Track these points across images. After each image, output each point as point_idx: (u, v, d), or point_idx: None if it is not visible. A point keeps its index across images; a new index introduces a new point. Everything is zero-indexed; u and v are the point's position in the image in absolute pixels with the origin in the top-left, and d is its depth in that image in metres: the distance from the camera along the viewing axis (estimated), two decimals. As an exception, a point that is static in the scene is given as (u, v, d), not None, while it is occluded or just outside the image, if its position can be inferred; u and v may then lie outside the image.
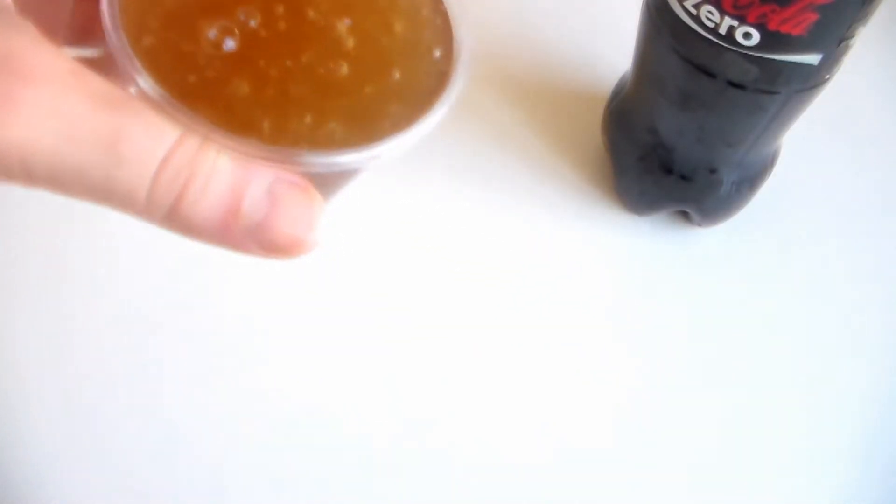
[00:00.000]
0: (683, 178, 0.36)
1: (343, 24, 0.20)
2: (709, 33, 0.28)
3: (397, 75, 0.20)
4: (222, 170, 0.17)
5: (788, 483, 0.34)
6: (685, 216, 0.39)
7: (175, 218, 0.17)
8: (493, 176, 0.41)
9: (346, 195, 0.21)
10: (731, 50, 0.28)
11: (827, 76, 0.29)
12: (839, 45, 0.27)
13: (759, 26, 0.26)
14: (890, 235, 0.40)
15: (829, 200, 0.41)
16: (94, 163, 0.16)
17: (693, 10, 0.28)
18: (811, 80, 0.29)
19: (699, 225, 0.39)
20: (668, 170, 0.36)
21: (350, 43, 0.20)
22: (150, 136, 0.16)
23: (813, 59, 0.28)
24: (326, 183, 0.20)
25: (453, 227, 0.40)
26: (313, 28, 0.20)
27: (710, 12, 0.27)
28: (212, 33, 0.19)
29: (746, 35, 0.27)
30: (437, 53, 0.21)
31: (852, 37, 0.27)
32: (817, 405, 0.36)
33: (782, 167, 0.37)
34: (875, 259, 0.39)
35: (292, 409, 0.36)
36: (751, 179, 0.36)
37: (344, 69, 0.20)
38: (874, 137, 0.43)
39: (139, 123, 0.16)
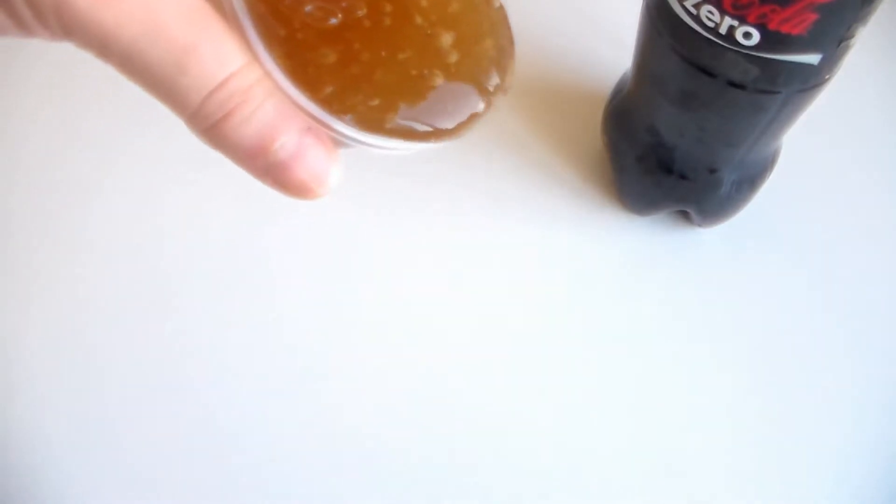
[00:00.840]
0: (683, 178, 0.36)
1: (448, 37, 0.21)
2: (709, 33, 0.28)
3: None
4: (268, 109, 0.19)
5: (788, 483, 0.34)
6: (685, 216, 0.39)
7: (213, 134, 0.19)
8: (492, 176, 0.41)
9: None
10: (732, 50, 0.28)
11: (827, 76, 0.29)
12: (839, 45, 0.27)
13: (760, 26, 0.26)
14: (891, 234, 0.40)
15: (830, 200, 0.41)
16: (162, 64, 0.18)
17: (693, 10, 0.28)
18: (811, 80, 0.29)
19: (699, 225, 0.39)
20: (668, 170, 0.36)
21: (453, 58, 0.21)
22: (217, 58, 0.19)
23: (813, 59, 0.27)
24: (352, 148, 0.21)
25: (452, 227, 0.40)
26: (419, 33, 0.20)
27: (710, 12, 0.27)
28: (308, 8, 0.19)
29: (746, 35, 0.27)
30: (494, 85, 0.22)
31: (852, 37, 0.27)
32: (818, 405, 0.36)
33: (782, 167, 0.37)
34: (876, 258, 0.39)
35: (294, 407, 0.36)
36: (751, 179, 0.36)
37: (439, 79, 0.20)
38: (874, 137, 0.43)
39: (212, 44, 0.18)
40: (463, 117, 0.21)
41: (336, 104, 0.19)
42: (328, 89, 0.19)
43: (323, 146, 0.20)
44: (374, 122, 0.20)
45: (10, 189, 0.41)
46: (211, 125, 0.19)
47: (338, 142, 0.21)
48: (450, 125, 0.21)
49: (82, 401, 0.36)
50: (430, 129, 0.21)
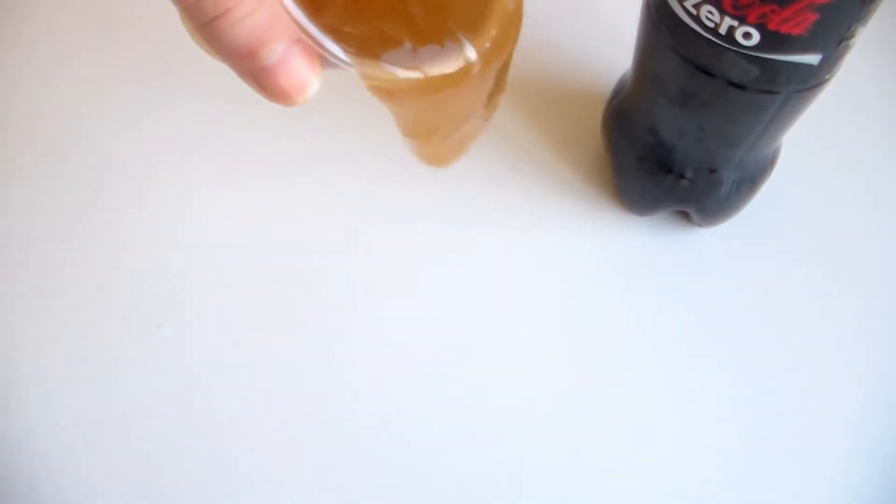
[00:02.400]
0: (683, 178, 0.36)
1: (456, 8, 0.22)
2: (709, 33, 0.28)
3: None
4: (262, 14, 0.20)
5: (789, 483, 0.34)
6: (685, 216, 0.39)
7: (207, 31, 0.20)
8: (492, 176, 0.41)
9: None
10: (731, 50, 0.28)
11: (827, 76, 0.29)
12: (839, 45, 0.27)
13: (759, 26, 0.26)
14: (891, 235, 0.40)
15: (830, 200, 0.41)
16: None
17: (693, 10, 0.28)
18: (811, 80, 0.29)
19: (699, 225, 0.39)
20: (667, 170, 0.36)
21: (456, 24, 0.22)
22: None
23: (813, 59, 0.27)
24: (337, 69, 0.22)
25: (450, 227, 0.40)
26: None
27: (710, 12, 0.27)
28: None
29: (746, 35, 0.27)
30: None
31: (852, 37, 0.27)
32: (819, 405, 0.36)
33: (782, 167, 0.37)
34: (876, 259, 0.39)
35: (295, 403, 0.36)
36: (751, 179, 0.36)
37: (438, 37, 0.22)
38: (874, 137, 0.43)
39: None
40: (452, 69, 0.22)
41: (333, 31, 0.20)
42: (346, 29, 0.21)
43: (308, 58, 0.21)
44: (367, 54, 0.21)
45: (13, 189, 0.41)
46: (206, 21, 0.20)
47: (324, 59, 0.21)
48: (437, 73, 0.22)
49: (85, 403, 0.36)
50: (418, 71, 0.22)
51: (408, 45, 0.21)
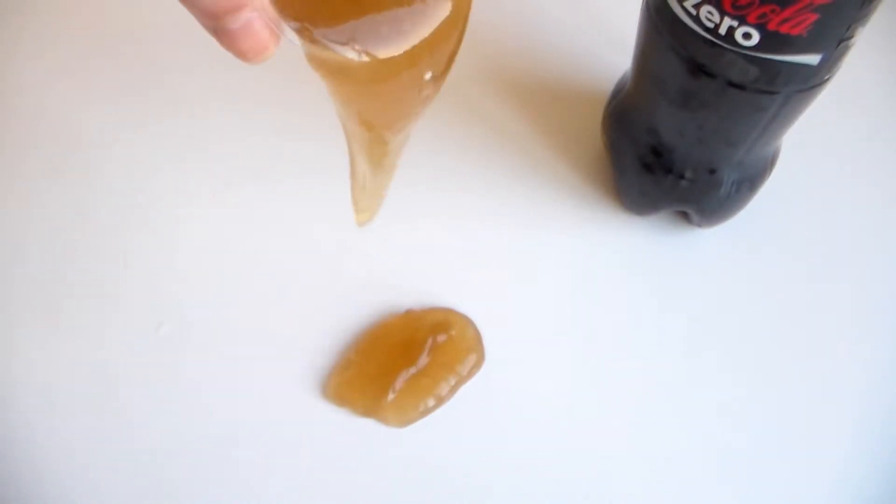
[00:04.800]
0: (683, 178, 0.36)
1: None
2: (708, 33, 0.28)
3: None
4: None
5: (790, 483, 0.34)
6: (685, 216, 0.39)
7: None
8: (492, 176, 0.41)
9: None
10: (731, 50, 0.28)
11: (827, 76, 0.29)
12: (839, 45, 0.27)
13: (759, 26, 0.26)
14: (891, 234, 0.40)
15: (830, 200, 0.41)
16: None
17: (693, 11, 0.28)
18: (811, 80, 0.29)
19: (699, 225, 0.39)
20: (668, 170, 0.36)
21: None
22: None
23: (813, 59, 0.27)
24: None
25: (452, 227, 0.40)
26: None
27: (709, 12, 0.27)
28: None
29: (746, 35, 0.27)
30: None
31: (852, 37, 0.27)
32: (819, 404, 0.36)
33: (782, 167, 0.37)
34: (876, 258, 0.39)
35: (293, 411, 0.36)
36: (751, 179, 0.36)
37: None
38: (874, 138, 0.43)
39: None
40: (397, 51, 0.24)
41: (293, 15, 0.23)
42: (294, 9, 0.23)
43: (267, 28, 0.23)
44: (314, 40, 0.23)
45: (14, 190, 0.41)
46: None
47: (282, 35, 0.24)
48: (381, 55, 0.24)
49: (85, 402, 0.36)
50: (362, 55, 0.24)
51: (352, 26, 0.23)
